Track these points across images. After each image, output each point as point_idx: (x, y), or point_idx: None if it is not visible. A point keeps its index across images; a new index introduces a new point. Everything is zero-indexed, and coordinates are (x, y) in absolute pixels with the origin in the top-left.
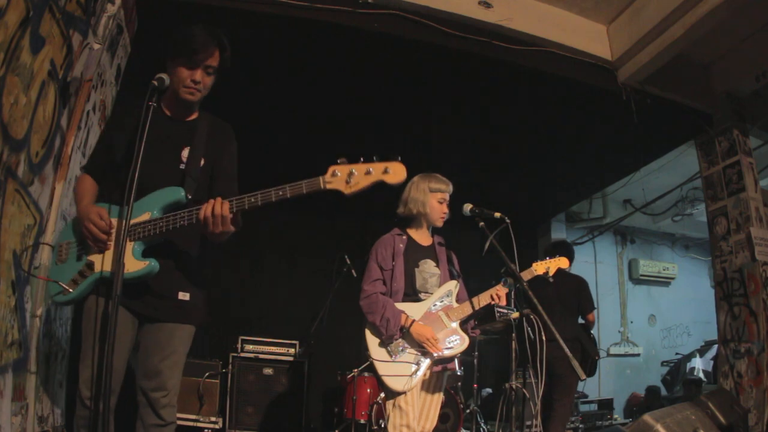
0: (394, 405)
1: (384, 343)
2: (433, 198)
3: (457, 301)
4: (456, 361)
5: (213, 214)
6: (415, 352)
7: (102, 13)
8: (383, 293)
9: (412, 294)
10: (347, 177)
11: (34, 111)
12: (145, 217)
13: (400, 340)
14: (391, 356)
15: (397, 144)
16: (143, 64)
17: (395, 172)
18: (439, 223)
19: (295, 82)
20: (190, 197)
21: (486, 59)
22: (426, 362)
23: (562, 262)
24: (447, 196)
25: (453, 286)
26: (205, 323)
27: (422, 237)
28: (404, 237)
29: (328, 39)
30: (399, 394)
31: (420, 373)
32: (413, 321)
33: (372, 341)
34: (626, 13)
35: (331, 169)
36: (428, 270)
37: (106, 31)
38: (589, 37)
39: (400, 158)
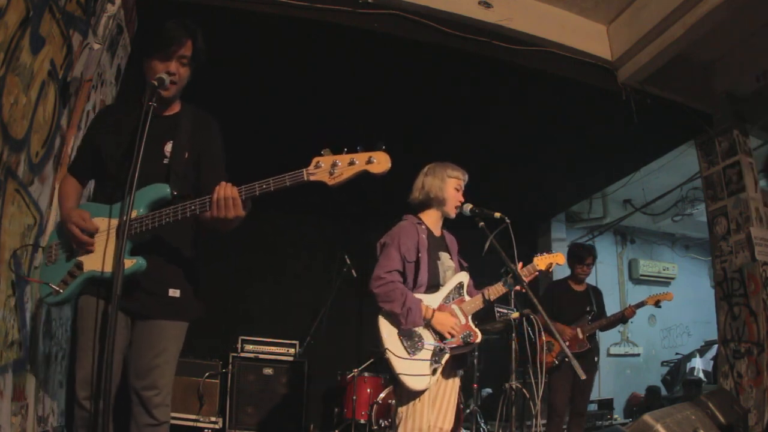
0: (407, 409)
1: (401, 335)
2: (450, 184)
3: (468, 294)
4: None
5: (224, 197)
6: (433, 348)
7: (102, 13)
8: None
9: (432, 288)
10: (331, 168)
11: (34, 111)
12: (132, 214)
13: (417, 335)
14: (408, 353)
15: (397, 144)
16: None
17: (380, 162)
18: (453, 213)
19: (295, 82)
20: (175, 193)
21: (486, 59)
22: (444, 358)
23: (558, 258)
24: (463, 185)
25: (464, 277)
26: (200, 321)
27: (435, 227)
28: (423, 227)
29: (328, 39)
30: (418, 393)
31: (439, 371)
32: (434, 311)
33: (387, 333)
34: (626, 13)
35: (314, 161)
36: (446, 263)
37: (106, 31)
38: (589, 37)
39: (384, 147)
